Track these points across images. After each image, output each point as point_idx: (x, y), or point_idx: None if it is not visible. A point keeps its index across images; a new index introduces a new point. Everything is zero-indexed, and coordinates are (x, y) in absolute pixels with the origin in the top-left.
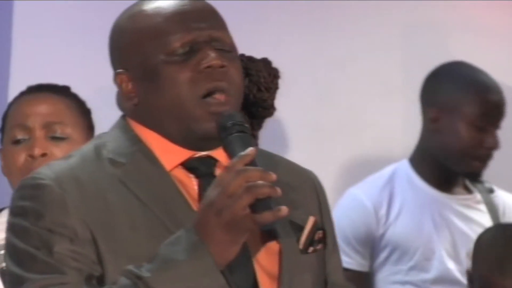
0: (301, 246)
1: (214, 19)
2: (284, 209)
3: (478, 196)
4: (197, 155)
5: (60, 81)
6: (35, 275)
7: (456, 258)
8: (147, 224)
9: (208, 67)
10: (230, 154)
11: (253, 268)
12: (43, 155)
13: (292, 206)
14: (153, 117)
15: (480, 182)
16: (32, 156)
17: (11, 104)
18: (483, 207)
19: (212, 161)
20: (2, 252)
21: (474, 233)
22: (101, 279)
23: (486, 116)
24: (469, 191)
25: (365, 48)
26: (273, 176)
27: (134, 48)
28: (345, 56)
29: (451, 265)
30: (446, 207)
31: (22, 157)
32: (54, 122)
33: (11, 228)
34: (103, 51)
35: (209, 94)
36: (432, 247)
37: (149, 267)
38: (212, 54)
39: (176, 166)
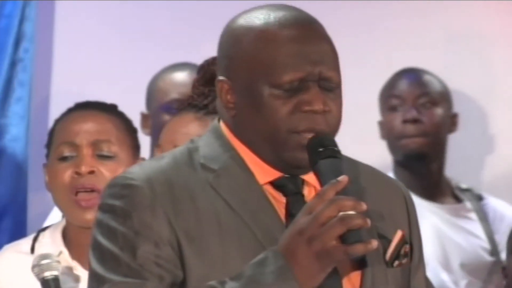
0: (387, 259)
1: (329, 58)
2: (374, 243)
3: (468, 204)
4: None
5: (100, 83)
6: (116, 276)
7: (448, 269)
8: (235, 231)
9: (310, 111)
10: (321, 179)
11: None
12: (91, 172)
13: (378, 216)
14: (248, 135)
15: (468, 189)
16: (78, 173)
17: (58, 121)
18: (473, 215)
19: (300, 180)
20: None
21: (466, 242)
22: (182, 285)
23: (394, 96)
24: (458, 200)
25: (407, 54)
26: (365, 206)
27: (244, 65)
28: (385, 61)
29: (445, 277)
30: (436, 217)
31: (68, 174)
32: (101, 140)
33: (99, 225)
34: (142, 51)
35: (304, 132)
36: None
37: (233, 285)
38: (317, 97)
39: (267, 183)
